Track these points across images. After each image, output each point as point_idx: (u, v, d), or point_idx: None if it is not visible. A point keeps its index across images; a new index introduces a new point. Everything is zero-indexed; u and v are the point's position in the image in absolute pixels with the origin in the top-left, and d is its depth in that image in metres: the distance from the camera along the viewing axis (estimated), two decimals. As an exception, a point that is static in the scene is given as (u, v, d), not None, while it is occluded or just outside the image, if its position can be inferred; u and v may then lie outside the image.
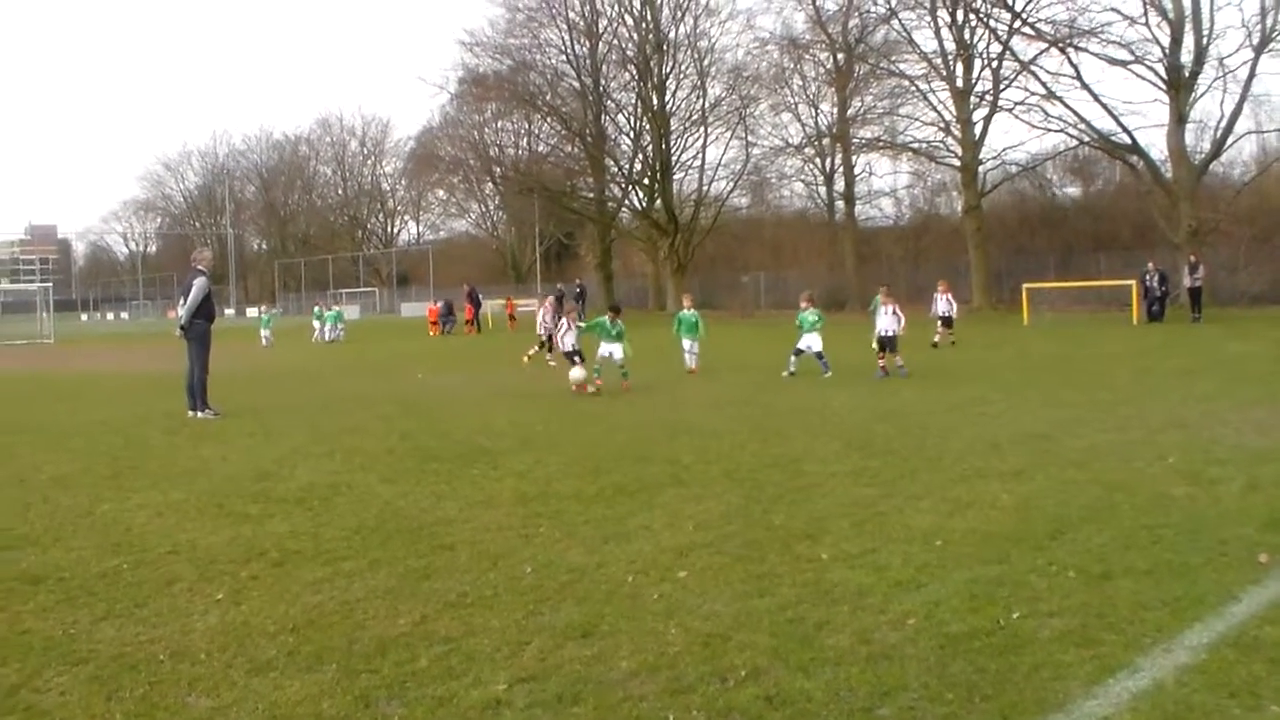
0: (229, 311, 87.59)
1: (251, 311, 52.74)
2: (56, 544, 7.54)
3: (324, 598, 6.04)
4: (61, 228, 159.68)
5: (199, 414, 15.16)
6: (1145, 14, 39.76)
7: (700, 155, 60.05)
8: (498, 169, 68.94)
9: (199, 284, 15.42)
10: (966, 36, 46.61)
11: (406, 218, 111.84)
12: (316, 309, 46.41)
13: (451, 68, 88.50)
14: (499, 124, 68.41)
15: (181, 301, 15.82)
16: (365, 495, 9.02)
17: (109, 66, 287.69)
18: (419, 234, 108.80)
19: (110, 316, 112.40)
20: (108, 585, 6.42)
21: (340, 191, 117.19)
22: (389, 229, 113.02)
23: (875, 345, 18.30)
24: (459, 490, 9.11)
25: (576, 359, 17.68)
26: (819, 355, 18.52)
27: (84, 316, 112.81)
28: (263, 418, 14.91)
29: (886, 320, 18.00)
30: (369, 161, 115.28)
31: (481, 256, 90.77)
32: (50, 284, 74.31)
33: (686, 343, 20.44)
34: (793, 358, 18.91)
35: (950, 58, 47.19)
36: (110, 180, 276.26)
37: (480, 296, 48.17)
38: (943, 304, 26.06)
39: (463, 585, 6.19)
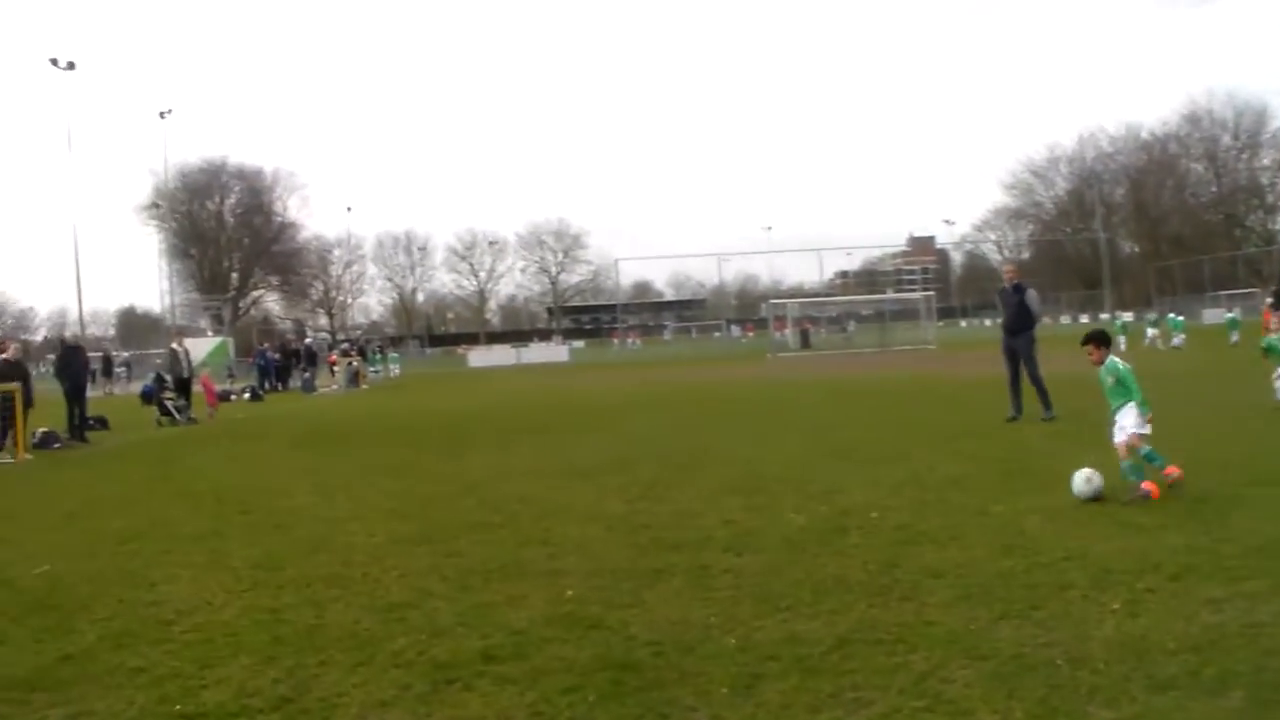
0: (1102, 315, 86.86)
1: (1126, 316, 51.71)
2: (953, 541, 7.97)
3: (1225, 618, 5.72)
4: (939, 238, 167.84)
5: (1045, 415, 15.72)
6: None
7: None
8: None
9: (1028, 296, 16.66)
10: None
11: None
12: (1151, 315, 45.47)
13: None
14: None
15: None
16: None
17: (973, 80, 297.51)
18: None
19: (987, 323, 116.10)
20: (1004, 585, 6.65)
21: (1213, 189, 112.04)
22: (1267, 226, 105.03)
23: None
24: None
25: None
26: None
27: (963, 323, 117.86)
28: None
29: None
30: (1243, 155, 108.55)
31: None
32: (932, 292, 79.27)
33: None
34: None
35: None
36: (980, 190, 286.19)
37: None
38: None
39: None
